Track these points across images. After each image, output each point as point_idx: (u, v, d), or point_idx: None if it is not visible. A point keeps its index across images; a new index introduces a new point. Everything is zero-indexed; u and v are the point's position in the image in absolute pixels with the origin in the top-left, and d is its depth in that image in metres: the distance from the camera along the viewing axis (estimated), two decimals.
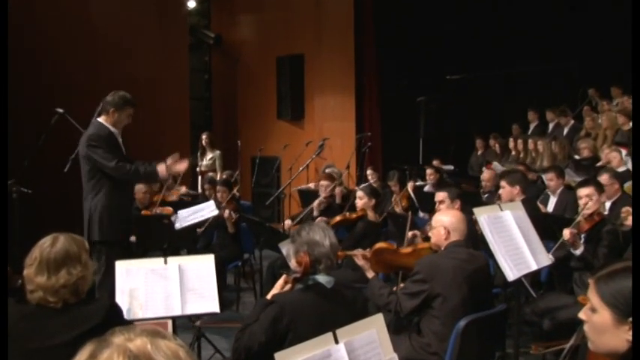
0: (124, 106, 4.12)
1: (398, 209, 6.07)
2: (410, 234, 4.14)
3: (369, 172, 7.69)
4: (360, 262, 3.46)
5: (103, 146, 3.98)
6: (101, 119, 4.12)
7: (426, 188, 7.07)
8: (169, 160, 4.12)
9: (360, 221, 4.96)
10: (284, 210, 6.80)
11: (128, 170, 4.01)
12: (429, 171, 7.13)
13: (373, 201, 4.99)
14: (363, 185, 5.96)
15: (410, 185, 6.56)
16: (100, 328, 1.25)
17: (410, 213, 4.55)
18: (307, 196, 6.32)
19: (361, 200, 5.00)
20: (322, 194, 5.64)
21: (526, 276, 3.23)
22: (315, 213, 5.46)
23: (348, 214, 5.08)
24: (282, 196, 6.35)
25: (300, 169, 6.56)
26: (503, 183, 4.73)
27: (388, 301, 3.14)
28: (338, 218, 5.02)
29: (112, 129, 4.11)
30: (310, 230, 2.59)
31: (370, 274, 3.39)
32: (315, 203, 5.57)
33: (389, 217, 5.43)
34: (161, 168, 4.09)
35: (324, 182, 5.75)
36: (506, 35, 9.21)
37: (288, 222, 5.50)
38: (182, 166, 4.21)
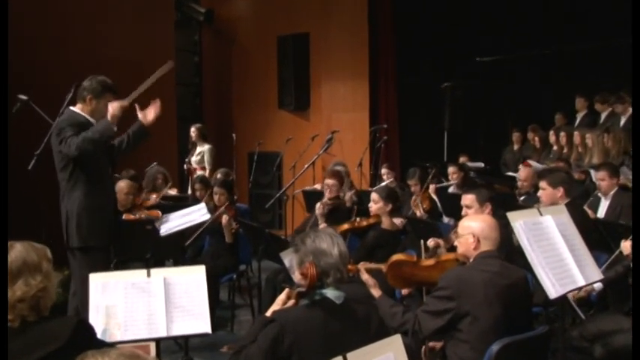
0: (103, 92, 4.11)
1: (418, 212, 6.05)
2: (432, 243, 4.10)
3: (383, 170, 7.66)
4: (364, 276, 3.42)
5: (71, 131, 3.95)
6: (76, 108, 4.12)
7: (451, 189, 7.04)
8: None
9: (372, 230, 4.93)
10: (286, 214, 6.80)
11: (84, 137, 3.89)
12: (451, 169, 7.09)
13: (390, 206, 4.96)
14: (379, 186, 5.94)
15: (431, 188, 6.53)
16: (66, 351, 1.24)
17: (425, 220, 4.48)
18: (314, 199, 6.30)
19: (375, 204, 4.97)
20: (327, 195, 5.63)
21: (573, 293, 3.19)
22: (319, 220, 5.42)
23: (357, 220, 5.05)
24: (284, 199, 6.36)
25: (305, 166, 6.57)
26: (543, 184, 4.69)
27: (404, 320, 3.11)
28: (346, 226, 5.00)
29: (90, 119, 4.10)
30: (316, 238, 2.58)
31: (377, 293, 3.36)
32: (317, 208, 5.52)
33: (408, 222, 5.42)
34: (110, 112, 3.98)
35: (329, 181, 5.74)
36: (547, 8, 9.12)
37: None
38: (152, 110, 4.12)
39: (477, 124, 10.25)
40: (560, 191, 4.60)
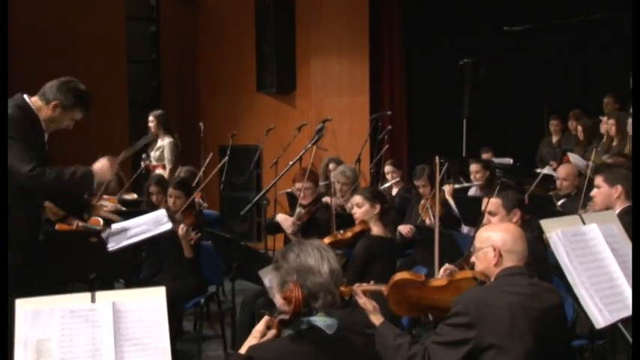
0: (74, 107, 4.16)
1: (428, 220, 6.05)
2: (441, 271, 4.06)
3: (387, 168, 7.68)
4: (361, 300, 3.44)
5: (20, 139, 3.95)
6: (31, 101, 4.11)
7: (472, 192, 7.04)
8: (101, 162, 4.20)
9: (360, 240, 4.93)
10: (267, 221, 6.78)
11: (48, 177, 3.98)
12: (474, 167, 7.11)
13: (377, 207, 4.96)
14: (362, 188, 5.95)
15: (447, 189, 6.54)
16: None
17: (438, 226, 4.46)
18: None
19: (360, 208, 4.98)
20: (302, 201, 5.63)
21: (626, 322, 3.18)
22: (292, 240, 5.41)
23: (341, 232, 5.06)
24: (263, 203, 6.33)
25: (290, 163, 6.53)
26: (599, 180, 4.71)
27: (411, 353, 3.12)
28: (326, 241, 4.97)
29: (42, 122, 4.12)
30: (301, 251, 2.58)
31: (377, 320, 3.36)
32: (287, 228, 5.51)
33: (418, 232, 5.42)
34: (98, 165, 4.15)
35: (300, 184, 5.73)
36: None
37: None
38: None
39: (504, 110, 10.26)
40: (618, 190, 4.62)
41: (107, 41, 8.61)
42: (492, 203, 4.45)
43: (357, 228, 4.98)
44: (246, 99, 10.18)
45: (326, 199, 6.22)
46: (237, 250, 4.95)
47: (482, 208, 4.62)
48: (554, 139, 9.60)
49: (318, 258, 2.55)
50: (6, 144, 4.01)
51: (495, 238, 3.27)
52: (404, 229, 5.91)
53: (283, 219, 5.72)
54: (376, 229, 4.97)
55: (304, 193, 5.69)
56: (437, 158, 4.41)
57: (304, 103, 9.79)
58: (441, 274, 3.95)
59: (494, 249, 3.24)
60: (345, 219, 5.58)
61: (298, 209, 5.66)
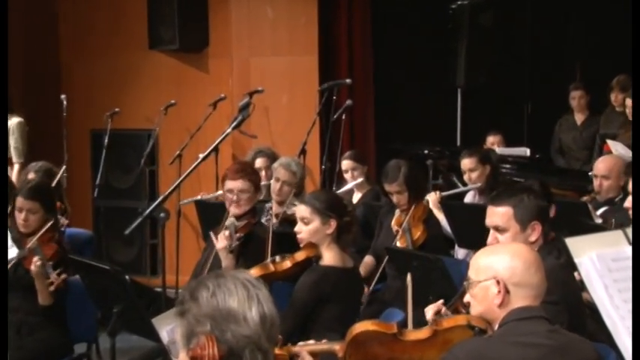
0: None
1: (401, 243, 6.08)
2: (430, 313, 4.08)
3: (346, 163, 7.72)
4: None
5: None
6: None
7: (468, 198, 7.11)
8: None
9: (306, 273, 4.94)
10: (165, 246, 6.70)
11: None
12: (466, 163, 7.13)
13: (332, 224, 4.96)
14: (311, 193, 5.93)
15: (432, 198, 6.58)
16: None
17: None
18: (217, 216, 6.28)
19: (307, 225, 4.98)
20: (233, 210, 5.55)
21: None
22: (223, 260, 5.38)
23: (275, 261, 5.04)
24: (161, 217, 6.29)
25: (201, 157, 6.50)
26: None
27: None
28: (254, 272, 4.93)
29: None
30: (219, 288, 2.56)
31: None
32: (221, 239, 5.42)
33: (390, 257, 5.45)
34: None
35: (234, 183, 5.64)
36: None
37: None
38: None
39: (517, 75, 10.37)
40: None
41: None
42: (499, 214, 4.40)
43: (301, 255, 4.98)
44: (133, 60, 10.14)
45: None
46: (120, 288, 4.92)
47: (486, 222, 4.59)
48: (578, 118, 9.63)
49: (243, 298, 2.54)
50: (6, 144, 4.01)
51: (499, 267, 3.28)
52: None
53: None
54: (329, 256, 4.96)
55: (239, 198, 5.57)
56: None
57: (221, 67, 9.79)
58: (429, 318, 3.95)
59: (498, 282, 3.25)
60: (289, 239, 5.50)
61: (230, 220, 5.57)
